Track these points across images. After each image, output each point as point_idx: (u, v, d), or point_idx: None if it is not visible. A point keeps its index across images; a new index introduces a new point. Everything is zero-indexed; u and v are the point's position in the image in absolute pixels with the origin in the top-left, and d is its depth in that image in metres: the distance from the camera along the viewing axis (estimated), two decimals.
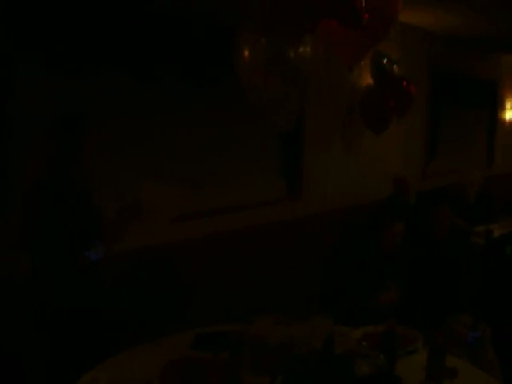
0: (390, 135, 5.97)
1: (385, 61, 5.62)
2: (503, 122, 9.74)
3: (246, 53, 2.78)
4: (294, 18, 2.52)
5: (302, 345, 2.45)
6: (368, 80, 5.72)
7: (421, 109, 7.06)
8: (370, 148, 6.05)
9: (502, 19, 6.17)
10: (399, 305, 3.39)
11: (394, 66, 5.64)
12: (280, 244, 4.98)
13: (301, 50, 2.72)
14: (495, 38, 7.38)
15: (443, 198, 3.83)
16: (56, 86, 3.27)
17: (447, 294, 3.55)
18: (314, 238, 5.17)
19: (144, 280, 3.65)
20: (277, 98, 2.85)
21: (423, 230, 3.71)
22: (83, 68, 3.40)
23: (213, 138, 4.35)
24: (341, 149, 5.73)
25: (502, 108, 9.71)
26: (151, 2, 3.75)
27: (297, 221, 5.12)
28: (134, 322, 3.35)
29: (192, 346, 2.73)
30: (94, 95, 3.44)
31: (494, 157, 9.55)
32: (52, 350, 2.86)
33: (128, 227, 2.99)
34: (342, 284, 3.55)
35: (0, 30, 3.04)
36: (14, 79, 3.14)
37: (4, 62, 3.10)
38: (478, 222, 5.70)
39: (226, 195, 4.51)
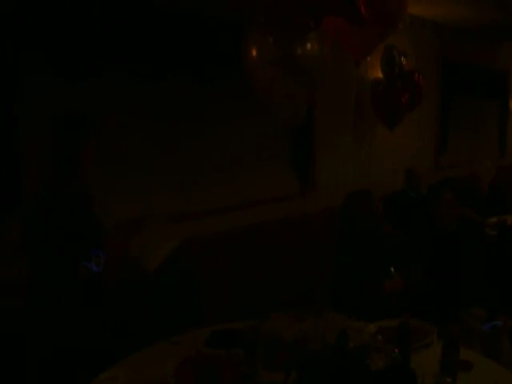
0: (401, 128, 5.96)
1: (396, 55, 5.62)
2: None
3: (254, 51, 2.78)
4: (297, 16, 2.53)
5: (316, 340, 2.46)
6: (375, 73, 5.71)
7: (431, 101, 7.03)
8: (381, 141, 6.04)
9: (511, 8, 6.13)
10: (409, 296, 3.37)
11: (402, 58, 5.63)
12: (292, 239, 4.98)
13: (308, 46, 2.72)
14: (506, 27, 7.32)
15: (447, 185, 3.79)
16: (58, 89, 3.26)
17: (460, 286, 3.54)
18: (326, 233, 5.17)
19: (157, 279, 3.65)
20: (285, 95, 2.85)
21: (432, 221, 3.69)
22: (86, 70, 3.37)
23: (223, 135, 4.36)
24: (352, 143, 5.73)
25: None
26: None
27: (309, 216, 5.12)
28: (148, 322, 3.36)
29: (206, 344, 2.74)
30: (94, 98, 3.43)
31: (506, 147, 9.48)
32: (54, 357, 2.83)
33: (132, 238, 2.95)
34: (346, 273, 3.52)
35: (2, 30, 3.04)
36: (16, 82, 3.13)
37: (7, 65, 3.09)
38: (492, 214, 5.67)
39: (238, 192, 4.52)
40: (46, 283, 2.81)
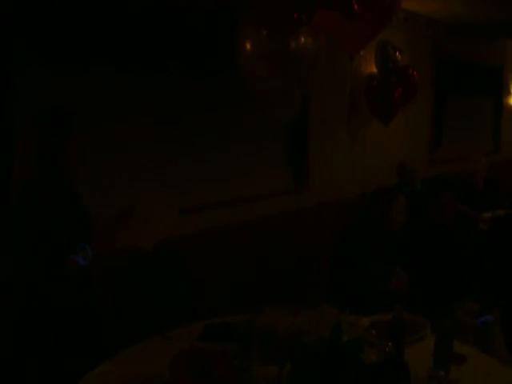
0: (396, 123, 5.96)
1: (390, 50, 5.62)
2: (509, 107, 9.67)
3: (247, 45, 2.78)
4: (290, 10, 2.53)
5: (310, 334, 2.46)
6: (370, 68, 5.71)
7: (426, 96, 7.04)
8: (375, 136, 6.04)
9: (506, 3, 6.12)
10: (408, 292, 3.37)
11: (397, 54, 5.64)
12: (287, 234, 4.99)
13: (301, 40, 2.72)
14: (500, 23, 7.33)
15: (446, 184, 3.81)
16: (46, 83, 3.22)
17: (454, 280, 3.55)
18: (321, 228, 5.18)
19: (152, 272, 3.65)
20: (278, 89, 2.85)
21: (428, 216, 3.70)
22: (75, 64, 3.32)
23: (217, 131, 4.35)
24: (346, 138, 5.73)
25: (508, 93, 9.64)
26: None
27: (304, 211, 5.13)
28: (142, 316, 3.36)
29: (200, 338, 2.74)
30: (85, 92, 3.39)
31: (500, 143, 9.50)
32: (46, 353, 2.82)
33: (120, 231, 2.93)
34: (352, 270, 3.50)
35: None
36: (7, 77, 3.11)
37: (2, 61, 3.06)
38: (486, 209, 5.69)
39: (232, 187, 4.53)
40: (32, 280, 2.79)
